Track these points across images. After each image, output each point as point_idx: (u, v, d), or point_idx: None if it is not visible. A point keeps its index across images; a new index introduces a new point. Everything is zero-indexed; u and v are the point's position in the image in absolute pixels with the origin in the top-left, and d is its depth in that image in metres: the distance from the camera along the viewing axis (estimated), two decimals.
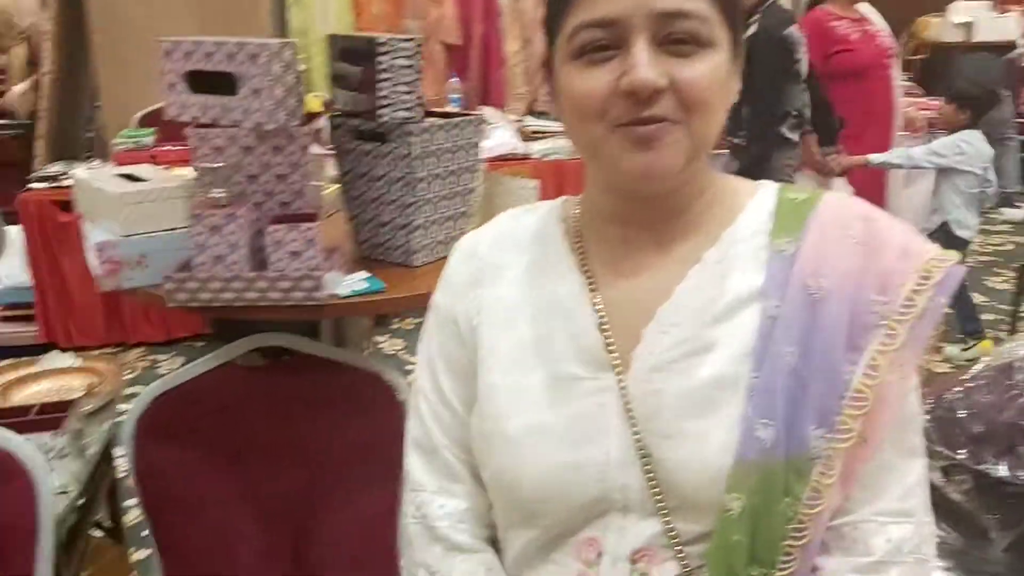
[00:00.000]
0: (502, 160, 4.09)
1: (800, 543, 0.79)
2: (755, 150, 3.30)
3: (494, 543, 0.96)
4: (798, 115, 3.38)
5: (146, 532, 1.59)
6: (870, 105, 4.01)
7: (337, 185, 1.85)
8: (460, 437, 0.94)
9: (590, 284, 0.88)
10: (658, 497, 0.82)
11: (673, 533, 0.82)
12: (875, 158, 3.80)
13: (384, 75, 1.60)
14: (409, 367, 3.93)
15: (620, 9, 0.76)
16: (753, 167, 3.18)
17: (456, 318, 0.94)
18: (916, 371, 0.82)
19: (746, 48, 0.85)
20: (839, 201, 0.87)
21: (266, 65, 1.49)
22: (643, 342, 0.84)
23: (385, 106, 1.61)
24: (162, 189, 1.62)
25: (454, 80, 5.19)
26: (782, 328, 0.80)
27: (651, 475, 0.82)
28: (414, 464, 0.98)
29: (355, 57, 1.64)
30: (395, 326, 4.30)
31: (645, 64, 0.75)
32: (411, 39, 1.62)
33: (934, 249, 0.83)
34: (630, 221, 0.87)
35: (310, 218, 1.55)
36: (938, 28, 7.02)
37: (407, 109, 1.63)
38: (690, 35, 0.76)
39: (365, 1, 5.51)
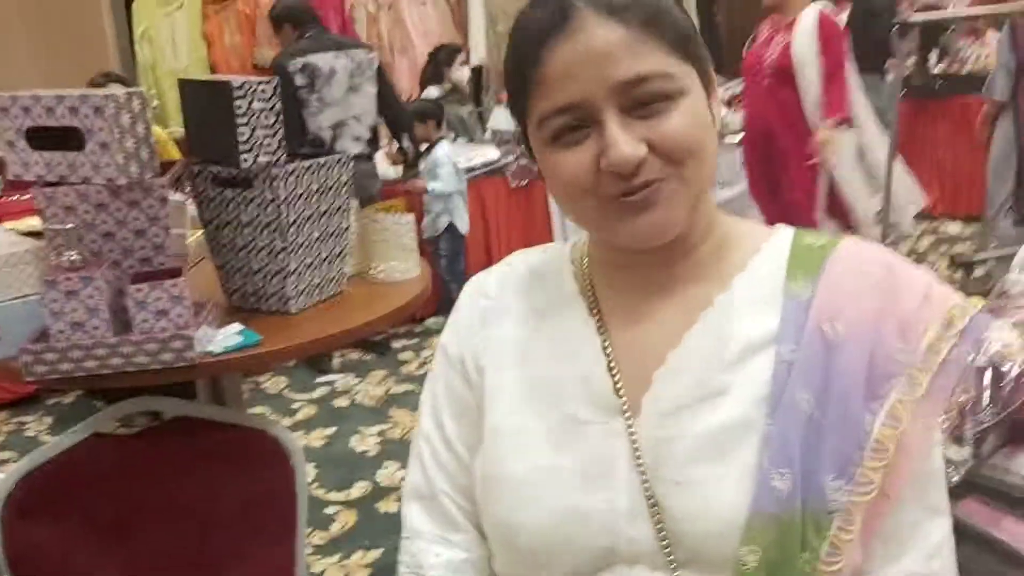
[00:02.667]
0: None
1: None
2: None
3: None
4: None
5: None
6: (748, 109, 4.16)
7: (200, 232, 1.77)
8: (463, 484, 0.91)
9: (599, 327, 0.86)
10: (667, 550, 0.78)
11: None
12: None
13: (242, 119, 1.54)
14: (296, 405, 3.82)
15: (581, 91, 0.74)
16: None
17: (463, 358, 0.91)
18: (940, 424, 0.79)
19: None
20: (858, 247, 0.84)
21: (113, 117, 1.41)
22: (653, 387, 0.81)
23: (246, 151, 1.55)
24: (9, 255, 1.52)
25: None
26: (798, 373, 0.77)
27: (660, 526, 0.78)
28: (412, 511, 0.93)
29: (210, 101, 1.57)
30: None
31: (621, 141, 0.73)
32: (268, 81, 1.57)
33: (956, 296, 0.80)
34: (638, 266, 0.85)
35: (174, 273, 1.47)
36: None
37: (270, 152, 1.57)
38: (657, 94, 0.74)
39: (217, 32, 5.36)
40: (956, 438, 1.31)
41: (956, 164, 5.77)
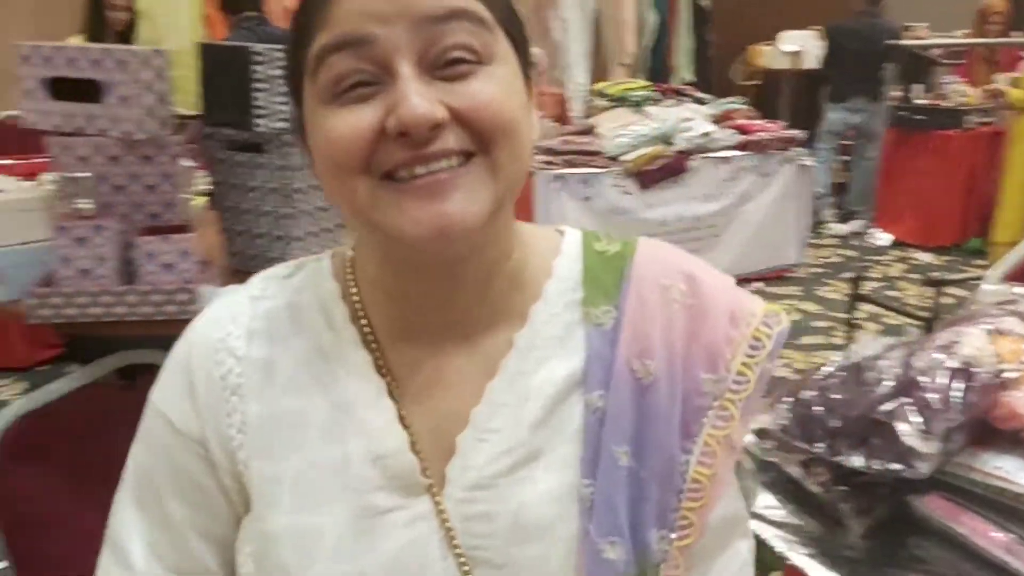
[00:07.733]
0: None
1: None
2: None
3: None
4: None
5: None
6: None
7: (205, 197, 1.81)
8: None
9: (390, 389, 0.68)
10: None
11: None
12: None
13: (259, 85, 1.57)
14: None
15: (373, 25, 0.58)
16: None
17: (206, 440, 0.69)
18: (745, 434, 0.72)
19: None
20: (655, 253, 0.74)
21: (135, 72, 1.45)
22: (459, 453, 0.67)
23: (261, 116, 1.59)
24: (16, 200, 1.54)
25: None
26: (611, 424, 0.67)
27: None
28: None
29: (227, 67, 1.61)
30: None
31: (414, 93, 0.57)
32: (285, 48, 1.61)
33: (758, 307, 0.72)
34: (423, 304, 0.68)
35: (183, 229, 1.51)
36: (769, 56, 7.46)
37: (284, 119, 1.61)
38: (466, 48, 0.59)
39: (217, 18, 5.36)
40: (925, 433, 1.38)
41: (932, 196, 5.91)
